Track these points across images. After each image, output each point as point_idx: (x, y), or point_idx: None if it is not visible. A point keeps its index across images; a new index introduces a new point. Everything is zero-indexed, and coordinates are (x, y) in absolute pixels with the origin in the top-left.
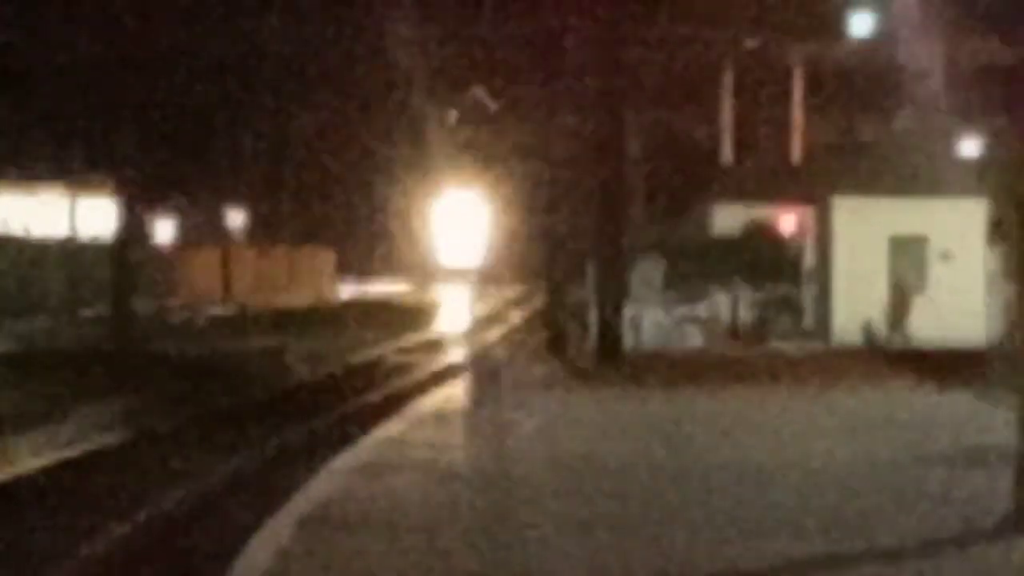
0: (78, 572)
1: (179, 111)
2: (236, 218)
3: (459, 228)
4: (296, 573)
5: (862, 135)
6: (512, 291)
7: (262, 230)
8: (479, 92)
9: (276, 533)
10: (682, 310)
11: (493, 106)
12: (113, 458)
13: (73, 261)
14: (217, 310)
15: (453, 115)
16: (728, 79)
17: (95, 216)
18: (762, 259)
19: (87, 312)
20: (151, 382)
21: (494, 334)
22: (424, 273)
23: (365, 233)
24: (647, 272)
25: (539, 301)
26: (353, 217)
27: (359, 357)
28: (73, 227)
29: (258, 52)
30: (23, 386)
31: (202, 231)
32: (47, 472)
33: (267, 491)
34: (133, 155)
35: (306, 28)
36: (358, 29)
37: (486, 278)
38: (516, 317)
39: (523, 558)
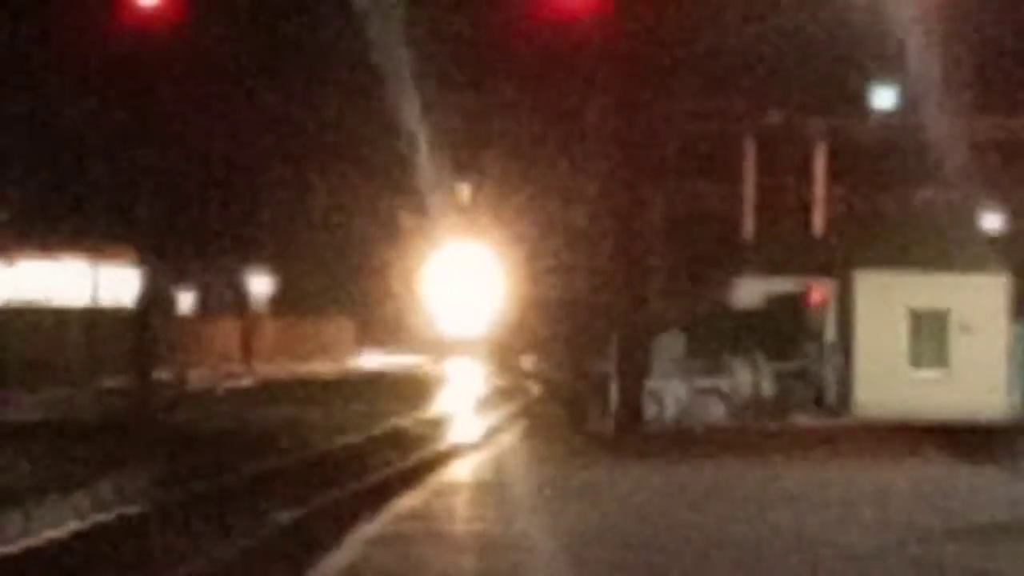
0: None
1: (200, 179)
2: (258, 284)
3: (469, 297)
4: None
5: (884, 209)
6: (526, 362)
7: (281, 296)
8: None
9: None
10: (703, 382)
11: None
12: (129, 530)
13: (94, 329)
14: (239, 380)
15: (465, 190)
16: (751, 152)
17: (117, 284)
18: (783, 332)
19: (108, 382)
20: (172, 454)
21: (513, 406)
22: (438, 344)
23: (380, 302)
24: (668, 344)
25: (555, 372)
26: (368, 287)
27: (380, 428)
28: (95, 295)
29: (275, 119)
30: (42, 457)
31: (222, 298)
32: (59, 543)
33: (291, 561)
34: (155, 223)
35: (318, 93)
36: (371, 97)
37: (498, 348)
38: (534, 389)
39: None
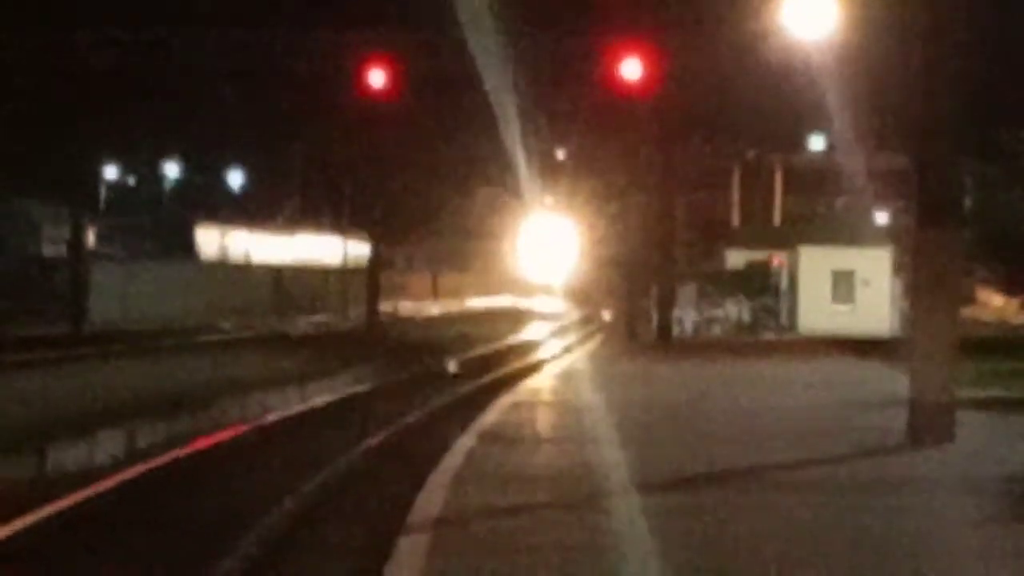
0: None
1: (397, 192)
2: (426, 250)
3: (549, 251)
4: (475, 466)
5: (817, 210)
6: (592, 301)
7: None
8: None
9: (465, 442)
10: (708, 313)
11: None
12: (375, 395)
13: (344, 278)
14: (428, 311)
15: (562, 155)
16: (736, 174)
17: (358, 252)
18: (757, 283)
19: (352, 312)
20: (392, 353)
21: (591, 327)
22: (524, 289)
23: (489, 260)
24: (687, 289)
25: (614, 309)
26: (479, 250)
27: (507, 341)
28: (344, 258)
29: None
30: (329, 355)
31: (412, 260)
32: (343, 401)
33: (462, 417)
34: (380, 218)
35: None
36: (495, 141)
37: (576, 291)
38: (606, 316)
39: (606, 450)
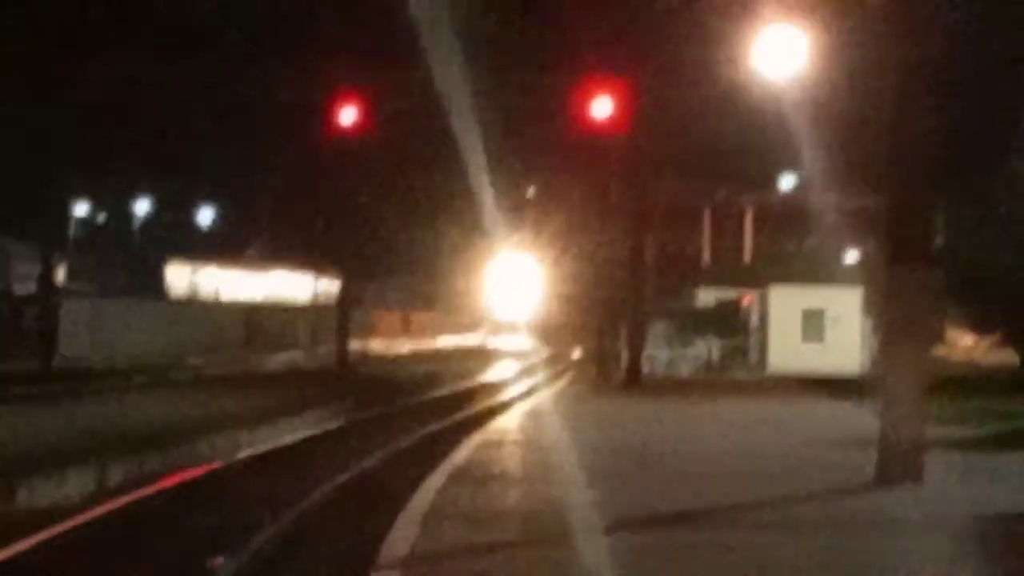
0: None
1: (372, 230)
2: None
3: (518, 289)
4: (448, 503)
5: (787, 249)
6: (560, 339)
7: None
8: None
9: (435, 481)
10: (678, 351)
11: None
12: (345, 433)
13: (315, 315)
14: (397, 349)
15: (531, 191)
16: (708, 214)
17: (329, 289)
18: (727, 322)
19: (322, 348)
20: (362, 391)
21: (559, 366)
22: (492, 327)
23: (455, 299)
24: (658, 328)
25: (583, 347)
26: (446, 289)
27: (476, 380)
28: (316, 295)
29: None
30: (286, 392)
31: (382, 297)
32: (313, 439)
33: (430, 456)
34: (350, 255)
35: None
36: (460, 177)
37: (543, 329)
38: (575, 355)
39: (576, 490)
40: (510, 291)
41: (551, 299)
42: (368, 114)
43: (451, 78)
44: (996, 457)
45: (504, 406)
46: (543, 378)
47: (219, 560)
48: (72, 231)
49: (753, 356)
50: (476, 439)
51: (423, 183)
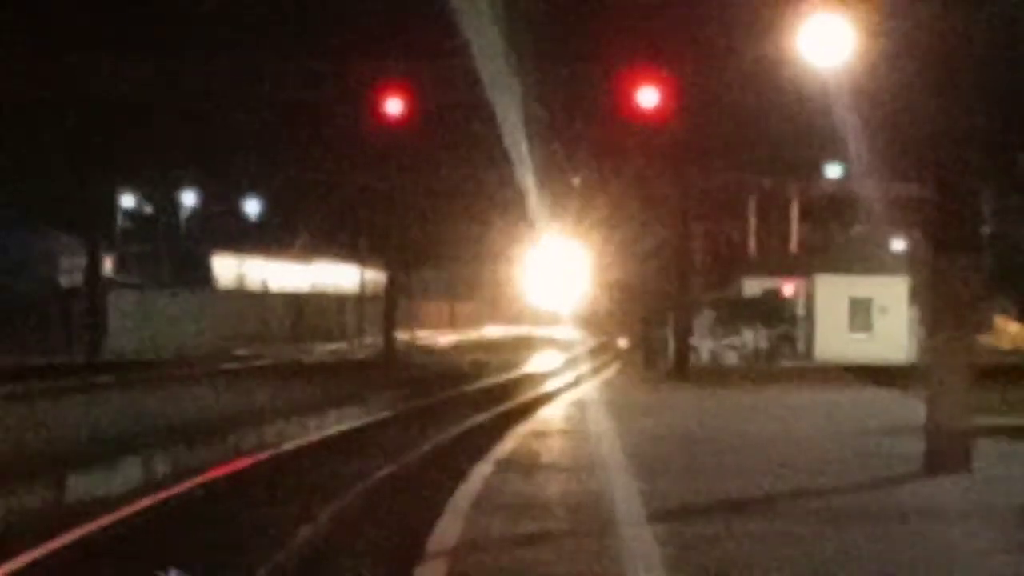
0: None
1: (412, 223)
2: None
3: (565, 279)
4: (495, 493)
5: (833, 238)
6: (606, 329)
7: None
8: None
9: (483, 470)
10: (724, 341)
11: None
12: (393, 423)
13: (360, 305)
14: (446, 338)
15: (577, 180)
16: (753, 203)
17: (375, 280)
18: (773, 310)
19: (368, 339)
20: (409, 381)
21: (607, 356)
22: (537, 317)
23: (491, 287)
24: (704, 317)
25: (629, 337)
26: (491, 278)
27: (524, 369)
28: (361, 285)
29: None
30: (333, 382)
31: (427, 287)
32: (360, 429)
33: (479, 446)
34: (396, 247)
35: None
36: (506, 171)
37: (586, 321)
38: (622, 344)
39: (623, 479)
40: (556, 281)
41: (597, 288)
42: (414, 105)
43: (497, 68)
44: None
45: (550, 396)
46: (589, 368)
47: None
48: (119, 223)
49: (800, 345)
50: (523, 429)
51: (469, 173)
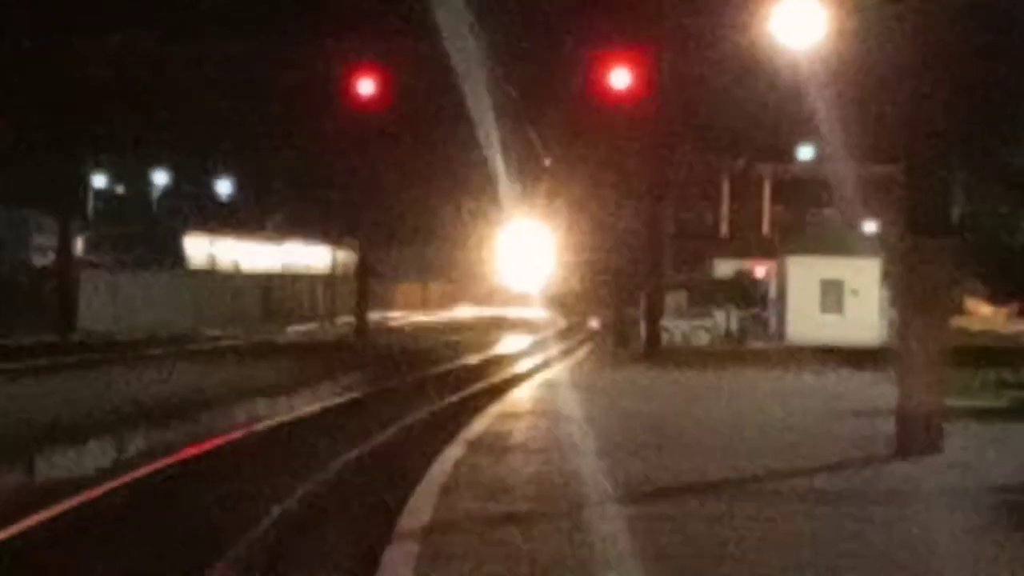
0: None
1: (384, 204)
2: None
3: (536, 260)
4: (466, 474)
5: (805, 219)
6: (577, 309)
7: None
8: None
9: (453, 452)
10: (696, 322)
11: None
12: (363, 404)
13: (332, 287)
14: (416, 319)
15: (548, 160)
16: (726, 184)
17: (346, 260)
18: (745, 292)
19: (340, 320)
20: (381, 362)
21: (581, 336)
22: (509, 297)
23: (463, 268)
24: (675, 298)
25: (600, 317)
26: (461, 259)
27: (495, 350)
28: (333, 266)
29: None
30: (304, 363)
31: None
32: (331, 409)
33: (449, 427)
34: (368, 227)
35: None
36: (476, 153)
37: (558, 302)
38: (593, 325)
39: (595, 460)
40: (527, 261)
41: (568, 269)
42: (385, 86)
43: (468, 49)
44: (1015, 427)
45: (522, 377)
46: (560, 349)
47: None
48: (91, 203)
49: (772, 327)
50: (494, 409)
51: (440, 154)
